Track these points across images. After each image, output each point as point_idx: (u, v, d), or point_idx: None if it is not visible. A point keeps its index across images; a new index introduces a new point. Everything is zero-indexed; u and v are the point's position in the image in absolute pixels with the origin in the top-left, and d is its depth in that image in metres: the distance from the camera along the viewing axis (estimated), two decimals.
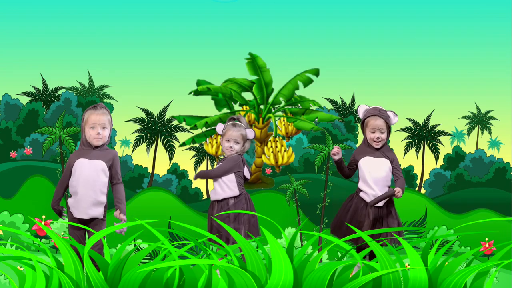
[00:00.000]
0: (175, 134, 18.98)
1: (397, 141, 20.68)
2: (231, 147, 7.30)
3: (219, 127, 7.41)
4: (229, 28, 17.71)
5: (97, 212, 6.43)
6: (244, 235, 7.13)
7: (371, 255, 6.59)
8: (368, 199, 6.94)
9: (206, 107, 12.50)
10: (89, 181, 6.41)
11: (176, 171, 18.74)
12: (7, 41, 17.48)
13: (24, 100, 18.16)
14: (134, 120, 18.84)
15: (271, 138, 11.77)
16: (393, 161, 6.97)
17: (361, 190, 7.01)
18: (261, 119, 11.90)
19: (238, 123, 7.37)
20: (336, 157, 7.05)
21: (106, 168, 6.49)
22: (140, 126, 18.85)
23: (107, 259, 5.46)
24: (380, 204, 6.91)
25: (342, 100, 19.24)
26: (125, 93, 18.51)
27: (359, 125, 18.56)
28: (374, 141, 6.94)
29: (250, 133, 7.34)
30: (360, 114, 7.07)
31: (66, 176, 6.59)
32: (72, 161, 6.52)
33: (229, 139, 7.29)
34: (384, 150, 6.99)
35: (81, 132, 6.53)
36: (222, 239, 6.45)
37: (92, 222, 6.43)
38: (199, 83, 12.11)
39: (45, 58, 17.85)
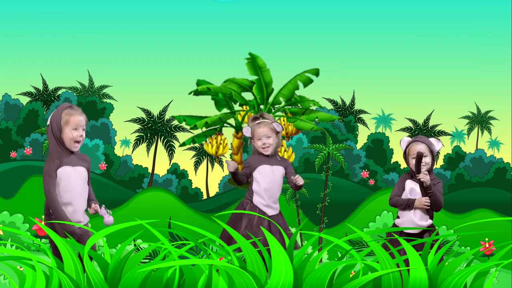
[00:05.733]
0: (175, 134, 19.00)
1: (397, 141, 20.74)
2: (264, 144, 7.06)
3: (247, 130, 7.14)
4: (229, 28, 17.73)
5: (87, 218, 6.31)
6: (243, 234, 7.12)
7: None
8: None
9: (206, 107, 12.48)
10: (80, 192, 6.16)
11: (176, 171, 18.75)
12: (7, 41, 17.48)
13: (24, 100, 18.19)
14: (134, 120, 18.85)
15: None
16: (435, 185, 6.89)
17: None
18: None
19: (263, 119, 7.15)
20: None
21: (87, 174, 6.27)
22: (140, 126, 18.87)
23: (107, 259, 5.46)
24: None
25: (342, 100, 19.26)
26: (125, 93, 18.53)
27: (359, 125, 18.61)
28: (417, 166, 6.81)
29: (278, 126, 7.13)
30: (403, 146, 7.00)
31: (54, 182, 6.07)
32: (54, 166, 6.04)
33: (260, 137, 7.06)
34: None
35: (56, 133, 6.07)
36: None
37: None
38: (199, 83, 12.09)
39: (45, 58, 17.87)
